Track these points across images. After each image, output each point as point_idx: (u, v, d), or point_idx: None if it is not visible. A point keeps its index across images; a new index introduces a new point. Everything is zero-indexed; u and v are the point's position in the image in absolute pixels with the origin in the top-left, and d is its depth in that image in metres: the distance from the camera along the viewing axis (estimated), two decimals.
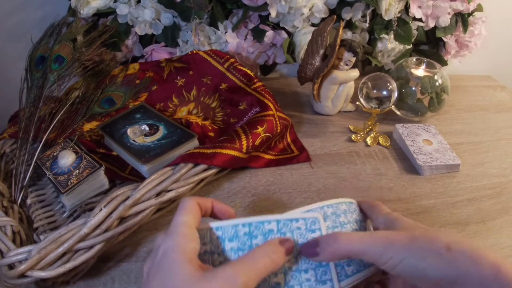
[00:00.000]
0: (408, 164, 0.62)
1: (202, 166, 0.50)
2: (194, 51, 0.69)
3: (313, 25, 0.76)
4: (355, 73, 0.68)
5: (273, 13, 0.69)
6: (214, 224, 0.31)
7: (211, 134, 0.61)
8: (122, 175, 0.54)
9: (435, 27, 0.80)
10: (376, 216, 0.34)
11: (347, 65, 0.67)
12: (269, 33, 0.74)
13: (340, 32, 0.63)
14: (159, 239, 0.29)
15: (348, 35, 0.78)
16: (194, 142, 0.56)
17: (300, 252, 0.30)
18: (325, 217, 0.32)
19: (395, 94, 0.64)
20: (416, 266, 0.26)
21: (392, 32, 0.77)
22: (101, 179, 0.50)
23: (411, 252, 0.26)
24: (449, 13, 0.77)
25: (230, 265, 0.26)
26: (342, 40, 0.65)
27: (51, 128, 0.54)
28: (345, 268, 0.31)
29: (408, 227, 0.30)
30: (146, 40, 0.75)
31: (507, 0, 0.88)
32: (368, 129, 0.68)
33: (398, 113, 0.73)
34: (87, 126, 0.60)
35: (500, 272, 0.25)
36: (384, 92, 0.64)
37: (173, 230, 0.29)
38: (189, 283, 0.25)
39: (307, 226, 0.31)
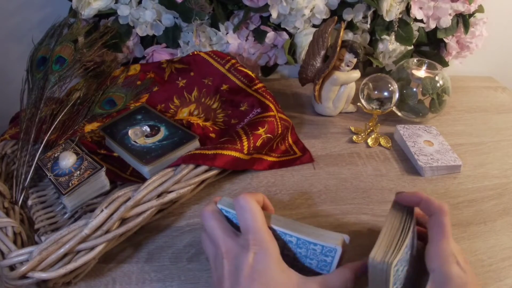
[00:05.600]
0: (409, 165, 0.62)
1: (203, 167, 0.50)
2: (195, 52, 0.69)
3: (314, 26, 0.76)
4: (356, 74, 0.68)
5: (274, 14, 0.69)
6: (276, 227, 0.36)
7: (212, 135, 0.60)
8: (123, 176, 0.54)
9: (436, 28, 0.79)
10: (431, 256, 0.35)
11: (348, 66, 0.67)
12: (270, 34, 0.74)
13: (341, 33, 0.63)
14: (231, 246, 0.34)
15: (349, 36, 0.78)
16: (195, 143, 0.56)
17: None
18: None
19: (396, 95, 0.64)
20: None
21: (393, 33, 0.77)
22: (102, 180, 0.50)
23: None
24: (450, 14, 0.77)
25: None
26: (343, 41, 0.65)
27: (52, 129, 0.54)
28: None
29: None
30: (147, 41, 0.75)
31: (508, 1, 0.88)
32: (369, 130, 0.68)
33: (399, 114, 0.73)
34: (88, 127, 0.60)
35: None
36: (385, 93, 0.64)
37: (258, 237, 0.33)
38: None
39: (322, 251, 0.36)
